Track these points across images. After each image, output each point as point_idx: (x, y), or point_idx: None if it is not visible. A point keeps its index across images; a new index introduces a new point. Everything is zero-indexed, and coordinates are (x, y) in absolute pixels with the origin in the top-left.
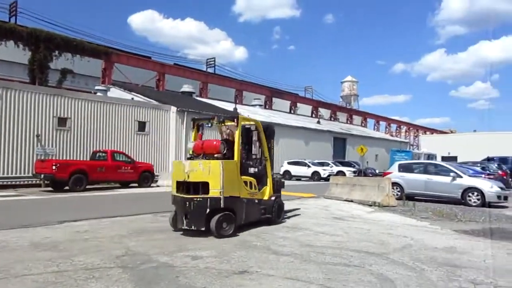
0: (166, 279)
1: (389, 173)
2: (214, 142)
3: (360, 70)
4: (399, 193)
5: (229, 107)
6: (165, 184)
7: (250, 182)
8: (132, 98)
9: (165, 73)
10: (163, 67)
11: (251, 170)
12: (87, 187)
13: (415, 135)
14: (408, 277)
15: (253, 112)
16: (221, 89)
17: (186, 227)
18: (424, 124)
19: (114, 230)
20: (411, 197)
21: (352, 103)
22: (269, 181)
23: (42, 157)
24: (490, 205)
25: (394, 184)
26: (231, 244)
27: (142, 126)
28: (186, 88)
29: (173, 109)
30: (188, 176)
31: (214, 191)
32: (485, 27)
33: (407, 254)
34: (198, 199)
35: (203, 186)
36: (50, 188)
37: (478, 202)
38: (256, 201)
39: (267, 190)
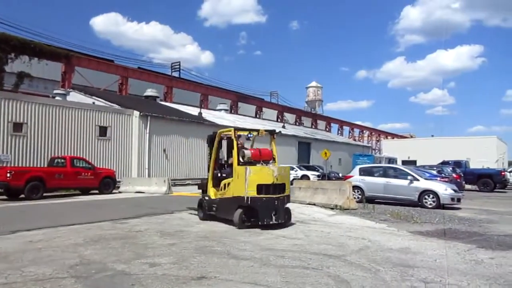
0: None
1: (350, 176)
2: (268, 151)
3: (324, 76)
4: (359, 196)
5: (195, 111)
6: (128, 190)
7: None
8: (93, 103)
9: (128, 77)
10: (126, 71)
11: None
12: (45, 195)
13: (377, 139)
14: (364, 278)
15: (219, 116)
16: (187, 94)
17: (275, 222)
18: (385, 129)
19: (70, 238)
20: (371, 200)
21: (316, 108)
22: None
23: None
24: (444, 206)
25: (355, 187)
26: (191, 250)
27: (103, 131)
28: (150, 92)
29: (136, 113)
30: (277, 179)
31: (287, 190)
32: (441, 37)
33: (364, 256)
34: (282, 197)
35: (284, 187)
36: (4, 197)
37: (434, 204)
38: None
39: None
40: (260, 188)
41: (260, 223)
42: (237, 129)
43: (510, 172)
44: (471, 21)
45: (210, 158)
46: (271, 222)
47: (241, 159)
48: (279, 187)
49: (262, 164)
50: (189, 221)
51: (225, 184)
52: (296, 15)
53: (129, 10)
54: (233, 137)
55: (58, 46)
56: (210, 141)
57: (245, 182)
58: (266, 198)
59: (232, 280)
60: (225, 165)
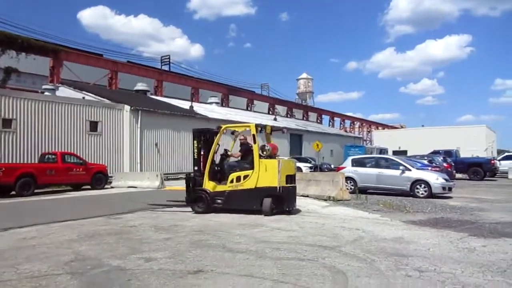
0: (118, 283)
1: (343, 167)
2: (276, 145)
3: (315, 68)
4: (352, 187)
5: (185, 105)
6: (121, 185)
7: None
8: (83, 97)
9: (118, 71)
10: (116, 65)
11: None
12: (36, 191)
13: (368, 130)
14: (359, 268)
15: (210, 110)
16: (177, 87)
17: (291, 208)
18: (376, 119)
19: (64, 235)
20: (364, 191)
21: (307, 100)
22: None
23: None
24: (436, 196)
25: (348, 178)
26: (186, 244)
27: (94, 126)
28: (140, 86)
29: (127, 108)
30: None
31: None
32: (430, 27)
33: (359, 246)
34: (296, 186)
35: (295, 177)
36: None
37: (426, 193)
38: None
39: None
40: (287, 178)
41: (286, 209)
42: (258, 125)
43: (499, 160)
44: (459, 10)
45: (199, 153)
46: (293, 208)
47: (262, 153)
48: (294, 177)
49: (277, 157)
50: (183, 215)
51: (238, 177)
52: (285, 7)
53: (117, 3)
54: (254, 132)
55: (46, 40)
56: (198, 135)
57: (278, 174)
58: (291, 187)
59: (229, 273)
60: (224, 159)
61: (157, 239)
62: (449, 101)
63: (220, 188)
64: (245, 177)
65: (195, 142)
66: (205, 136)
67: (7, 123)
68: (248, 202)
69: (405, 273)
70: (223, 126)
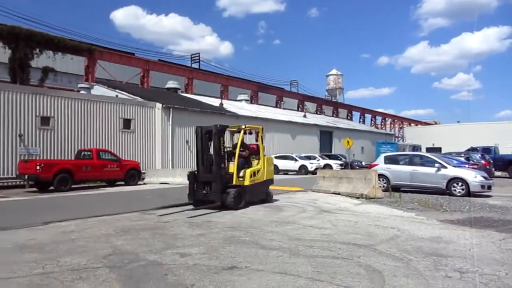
0: (155, 278)
1: (375, 165)
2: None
3: (345, 64)
4: (385, 185)
5: (215, 102)
6: (153, 181)
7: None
8: (117, 96)
9: (149, 70)
10: (148, 64)
11: None
12: (73, 186)
13: (400, 127)
14: (396, 267)
15: (240, 107)
16: (207, 85)
17: None
18: (408, 116)
19: (101, 229)
20: (397, 189)
21: (337, 96)
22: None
23: (26, 158)
24: (474, 194)
25: (380, 176)
26: (220, 240)
27: (127, 123)
28: (171, 84)
29: (159, 105)
30: None
31: None
32: (467, 19)
33: (394, 245)
34: None
35: None
36: (34, 189)
37: (463, 192)
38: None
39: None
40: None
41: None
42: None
43: None
44: (498, 0)
45: (224, 150)
46: None
47: (244, 151)
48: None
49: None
50: (215, 212)
51: (254, 172)
52: (315, 2)
53: (149, 2)
54: (261, 134)
55: (81, 40)
56: (220, 133)
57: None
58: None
59: (263, 270)
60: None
61: (191, 234)
62: (486, 96)
63: (245, 183)
64: (257, 172)
65: (221, 139)
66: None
67: (45, 121)
68: (260, 194)
69: (445, 273)
70: (245, 126)
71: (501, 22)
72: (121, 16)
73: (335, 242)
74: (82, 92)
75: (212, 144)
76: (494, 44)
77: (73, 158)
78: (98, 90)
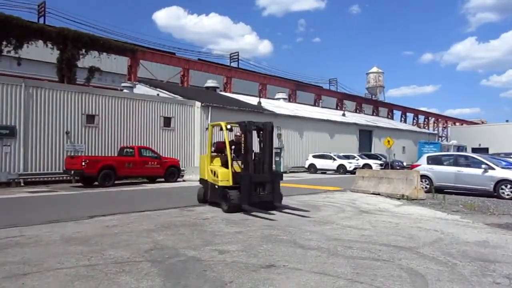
0: (194, 273)
1: (417, 165)
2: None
3: (386, 61)
4: (427, 186)
5: (253, 101)
6: (192, 178)
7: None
8: (158, 94)
9: (189, 69)
10: (188, 63)
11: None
12: (116, 182)
13: (444, 126)
14: (440, 271)
15: (277, 105)
16: (245, 83)
17: None
18: (453, 115)
19: (142, 224)
20: (440, 190)
21: (377, 94)
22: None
23: (72, 154)
24: None
25: (423, 176)
26: (257, 238)
27: (167, 121)
28: (210, 83)
29: (198, 104)
30: None
31: None
32: None
33: (438, 249)
34: None
35: None
36: (80, 184)
37: None
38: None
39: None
40: None
41: None
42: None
43: None
44: None
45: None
46: None
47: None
48: None
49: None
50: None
51: None
52: None
53: (190, 3)
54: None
55: (124, 41)
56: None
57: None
58: None
59: (301, 269)
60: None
61: (229, 232)
62: None
63: None
64: None
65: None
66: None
67: (91, 118)
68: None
69: (493, 279)
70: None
71: None
72: (163, 17)
73: (375, 244)
74: (125, 91)
75: (263, 141)
76: None
77: (116, 155)
78: (140, 89)
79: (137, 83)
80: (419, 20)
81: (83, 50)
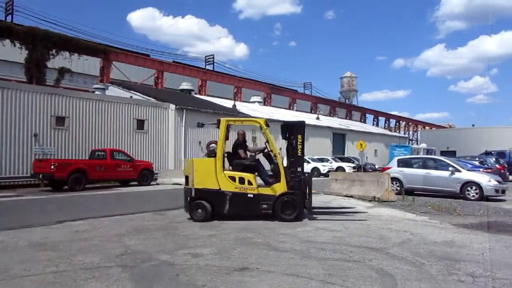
0: (167, 278)
1: (388, 168)
2: None
3: (360, 66)
4: (398, 188)
5: (228, 104)
6: (166, 182)
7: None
8: (131, 96)
9: (164, 71)
10: (162, 65)
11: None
12: (86, 186)
13: (414, 130)
14: (408, 271)
15: (252, 109)
16: (220, 86)
17: None
18: (423, 119)
19: (114, 229)
20: (410, 192)
21: (351, 98)
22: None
23: (40, 157)
24: (488, 198)
25: (393, 179)
26: (231, 241)
27: (141, 124)
28: (185, 85)
29: (172, 106)
30: None
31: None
32: (484, 22)
33: (407, 249)
34: None
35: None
36: (49, 188)
37: (477, 196)
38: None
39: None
40: None
41: None
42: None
43: None
44: None
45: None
46: None
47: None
48: None
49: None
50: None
51: None
52: (332, 5)
53: (165, 4)
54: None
55: (97, 41)
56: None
57: None
58: None
59: (274, 271)
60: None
61: (203, 235)
62: (502, 99)
63: None
64: None
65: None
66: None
67: (60, 121)
68: None
69: (457, 278)
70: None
71: None
72: (138, 18)
73: (346, 245)
74: (97, 92)
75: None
76: (511, 47)
77: (87, 158)
78: (113, 91)
79: (109, 84)
80: (391, 27)
81: (53, 50)
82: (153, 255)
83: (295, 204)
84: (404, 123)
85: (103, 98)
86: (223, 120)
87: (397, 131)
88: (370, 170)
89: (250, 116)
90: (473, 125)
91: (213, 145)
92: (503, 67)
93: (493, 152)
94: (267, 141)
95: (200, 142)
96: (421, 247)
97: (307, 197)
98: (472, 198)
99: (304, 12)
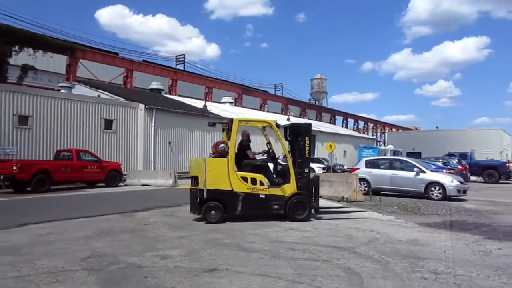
0: (134, 280)
1: (357, 169)
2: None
3: (330, 68)
4: (366, 188)
5: (199, 104)
6: (134, 183)
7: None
8: (99, 96)
9: (133, 70)
10: (131, 64)
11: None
12: (51, 187)
13: (382, 131)
14: (374, 269)
15: (223, 109)
16: (191, 86)
17: None
18: (390, 121)
19: (80, 231)
20: (377, 192)
21: (321, 100)
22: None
23: (1, 157)
24: (450, 198)
25: (361, 179)
26: (201, 243)
27: (109, 124)
28: (155, 85)
29: (141, 106)
30: None
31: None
32: (448, 28)
33: (373, 248)
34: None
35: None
36: (10, 190)
37: (440, 195)
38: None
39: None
40: None
41: None
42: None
43: None
44: (478, 12)
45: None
46: None
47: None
48: None
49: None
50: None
51: None
52: (303, 7)
53: (135, 2)
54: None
55: (63, 38)
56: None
57: None
58: None
59: (244, 272)
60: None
61: (172, 237)
62: (465, 103)
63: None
64: None
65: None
66: None
67: (23, 120)
68: None
69: (421, 275)
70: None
71: (480, 33)
72: (107, 15)
73: (315, 245)
74: (62, 91)
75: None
76: (473, 53)
77: (52, 159)
78: (80, 89)
79: (76, 83)
80: (361, 30)
81: (16, 47)
82: (121, 258)
83: (305, 205)
84: (372, 125)
85: (69, 96)
86: (236, 119)
87: (366, 132)
88: (339, 171)
89: (221, 117)
90: (437, 127)
91: (223, 145)
92: (465, 72)
93: (455, 154)
94: (268, 143)
95: (170, 143)
96: (387, 246)
97: (314, 198)
98: (436, 198)
99: (276, 14)
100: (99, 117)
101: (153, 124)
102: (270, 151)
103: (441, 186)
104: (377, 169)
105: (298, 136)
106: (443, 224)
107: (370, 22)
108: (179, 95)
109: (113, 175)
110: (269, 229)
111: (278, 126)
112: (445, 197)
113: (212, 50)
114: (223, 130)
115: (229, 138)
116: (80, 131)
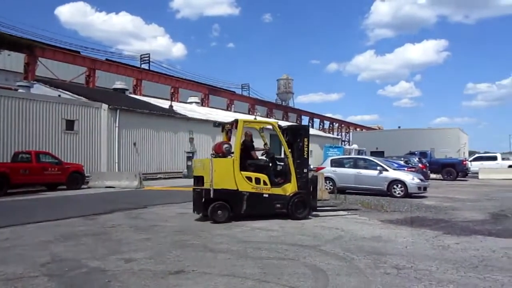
0: (97, 285)
1: (322, 168)
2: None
3: (296, 69)
4: (331, 187)
5: (165, 104)
6: (98, 185)
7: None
8: (59, 95)
9: (96, 69)
10: (94, 63)
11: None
12: (9, 191)
13: (347, 131)
14: (339, 266)
15: (190, 109)
16: (157, 86)
17: None
18: (355, 121)
19: (39, 236)
20: (342, 191)
21: (287, 100)
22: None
23: None
24: (412, 195)
25: (327, 178)
26: (167, 244)
27: (70, 124)
28: (118, 85)
29: (105, 106)
30: None
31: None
32: (409, 31)
33: (338, 245)
34: None
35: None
36: None
37: (402, 193)
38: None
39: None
40: None
41: None
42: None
43: (470, 161)
44: (437, 16)
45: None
46: None
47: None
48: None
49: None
50: (163, 216)
51: None
52: (269, 8)
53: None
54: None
55: (21, 36)
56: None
57: None
58: None
59: (210, 273)
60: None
61: (137, 239)
62: (425, 103)
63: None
64: None
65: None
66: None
67: None
68: None
69: (384, 270)
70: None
71: (439, 36)
72: (67, 12)
73: (282, 244)
74: (20, 90)
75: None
76: (432, 55)
77: (9, 161)
78: (39, 89)
79: (35, 82)
80: (325, 32)
81: None
82: (83, 262)
83: (306, 204)
84: (337, 124)
85: (27, 96)
86: (241, 120)
87: (331, 132)
88: None
89: (187, 117)
90: (399, 127)
91: (227, 145)
92: (425, 74)
93: (416, 152)
94: (266, 144)
95: (135, 144)
96: (351, 243)
97: (312, 197)
98: (398, 195)
99: (242, 14)
100: (60, 117)
101: (117, 125)
102: (269, 151)
103: (403, 184)
104: (342, 168)
105: (297, 137)
106: (404, 221)
107: (335, 23)
108: (144, 95)
109: (75, 177)
110: (237, 229)
111: (280, 127)
112: (407, 194)
113: (178, 49)
114: (223, 130)
115: (229, 139)
116: (40, 132)
